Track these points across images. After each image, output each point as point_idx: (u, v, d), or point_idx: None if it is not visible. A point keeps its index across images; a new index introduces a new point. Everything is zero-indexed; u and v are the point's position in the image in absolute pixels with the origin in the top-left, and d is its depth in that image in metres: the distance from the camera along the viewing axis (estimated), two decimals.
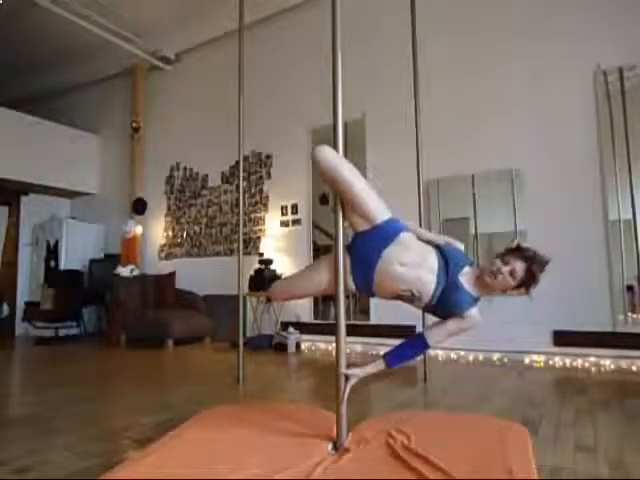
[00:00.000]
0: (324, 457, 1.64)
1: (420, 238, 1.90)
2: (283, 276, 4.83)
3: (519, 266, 1.75)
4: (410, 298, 1.82)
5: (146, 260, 6.48)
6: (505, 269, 1.75)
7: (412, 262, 1.79)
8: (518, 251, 1.78)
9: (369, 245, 1.82)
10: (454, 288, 1.78)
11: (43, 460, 1.76)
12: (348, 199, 1.79)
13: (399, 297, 1.85)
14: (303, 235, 5.25)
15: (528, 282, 1.76)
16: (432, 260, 1.81)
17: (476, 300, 1.82)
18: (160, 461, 1.62)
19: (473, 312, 1.80)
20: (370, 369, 1.83)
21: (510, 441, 1.76)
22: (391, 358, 1.84)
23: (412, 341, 1.88)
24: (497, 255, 1.81)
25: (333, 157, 1.77)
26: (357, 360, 3.88)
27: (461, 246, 1.96)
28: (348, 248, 1.87)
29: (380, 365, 1.84)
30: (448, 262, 1.81)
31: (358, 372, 1.80)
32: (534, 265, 1.75)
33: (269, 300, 5.23)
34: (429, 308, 1.86)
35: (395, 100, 4.50)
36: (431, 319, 1.94)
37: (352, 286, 1.86)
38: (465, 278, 1.82)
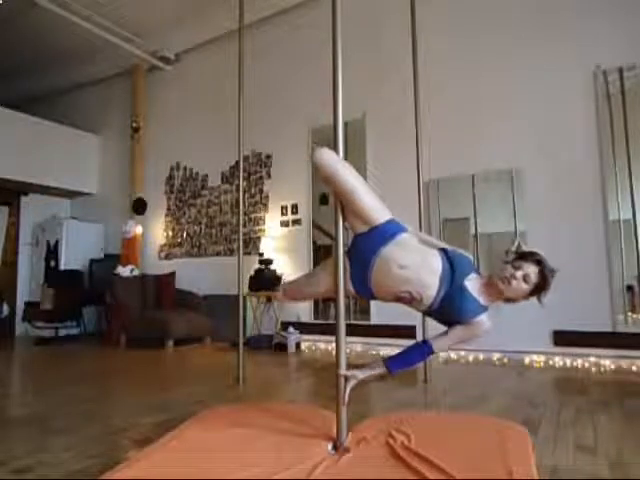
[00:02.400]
0: (324, 457, 1.64)
1: (424, 241, 1.87)
2: (283, 276, 4.85)
3: (532, 270, 1.70)
4: (410, 300, 1.78)
5: (146, 260, 6.47)
6: (518, 274, 1.70)
7: (412, 263, 1.75)
8: (528, 256, 1.74)
9: (367, 245, 1.80)
10: (459, 293, 1.73)
11: (43, 460, 1.76)
12: (347, 201, 1.78)
13: (399, 299, 1.81)
14: (303, 235, 5.25)
15: (541, 287, 1.71)
16: (435, 262, 1.77)
17: (485, 308, 1.77)
18: (160, 461, 1.62)
19: (483, 318, 1.75)
20: (370, 371, 1.82)
21: (510, 441, 1.76)
22: (392, 363, 1.81)
23: (415, 348, 1.84)
24: (505, 262, 1.76)
25: (333, 159, 1.76)
26: (357, 360, 3.88)
27: (469, 256, 1.89)
28: (348, 251, 1.85)
29: (380, 369, 1.82)
30: (454, 266, 1.76)
31: (357, 374, 1.79)
32: (546, 269, 1.70)
33: (269, 300, 5.24)
34: (431, 312, 1.81)
35: (395, 100, 4.50)
36: (432, 321, 1.93)
37: (351, 289, 1.84)
38: (472, 285, 1.76)
